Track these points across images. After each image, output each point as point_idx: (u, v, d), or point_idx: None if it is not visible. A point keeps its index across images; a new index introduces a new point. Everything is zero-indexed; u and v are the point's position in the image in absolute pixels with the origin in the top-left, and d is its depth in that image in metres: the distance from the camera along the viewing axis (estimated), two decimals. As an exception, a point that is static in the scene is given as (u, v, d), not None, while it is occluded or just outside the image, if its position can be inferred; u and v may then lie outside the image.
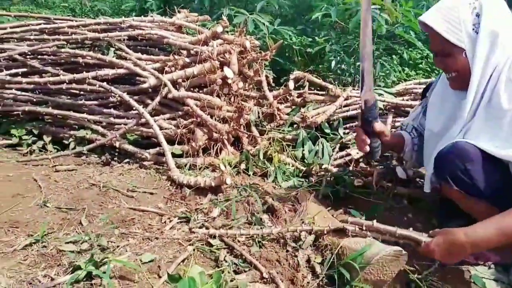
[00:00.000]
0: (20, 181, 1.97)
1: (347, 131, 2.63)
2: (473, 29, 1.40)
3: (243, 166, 2.29)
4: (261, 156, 2.29)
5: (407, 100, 2.71)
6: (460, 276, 1.50)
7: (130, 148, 2.34)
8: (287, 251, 1.56)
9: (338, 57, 3.36)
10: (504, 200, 1.30)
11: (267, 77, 2.88)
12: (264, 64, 3.00)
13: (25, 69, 2.59)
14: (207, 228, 1.69)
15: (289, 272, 1.46)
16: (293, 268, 1.48)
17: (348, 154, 2.33)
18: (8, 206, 1.75)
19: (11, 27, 2.64)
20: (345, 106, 2.68)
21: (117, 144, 2.33)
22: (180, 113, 2.45)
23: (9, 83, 2.46)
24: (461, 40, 1.41)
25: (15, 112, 2.51)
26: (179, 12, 3.09)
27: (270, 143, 2.37)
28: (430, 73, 3.93)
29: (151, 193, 2.00)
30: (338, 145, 2.47)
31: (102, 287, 1.32)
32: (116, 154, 2.40)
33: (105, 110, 2.48)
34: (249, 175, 2.26)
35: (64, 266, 1.43)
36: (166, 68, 2.50)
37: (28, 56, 2.65)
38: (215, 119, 2.38)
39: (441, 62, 1.50)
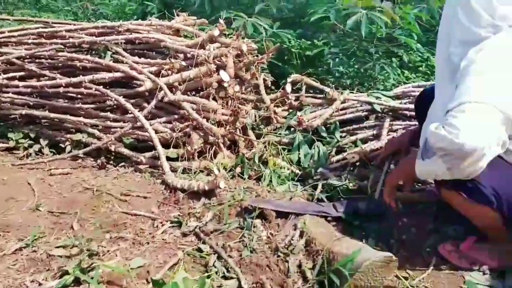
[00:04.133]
0: (15, 185, 1.97)
1: (343, 134, 2.60)
2: None
3: (238, 169, 2.27)
4: (257, 160, 2.28)
5: (405, 103, 2.69)
6: (454, 282, 1.47)
7: (126, 151, 2.34)
8: (278, 256, 1.54)
9: (337, 59, 3.35)
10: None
11: (265, 80, 2.87)
12: (262, 67, 2.99)
13: (22, 73, 2.60)
14: (198, 233, 1.68)
15: (279, 278, 1.45)
16: (283, 274, 1.47)
17: (344, 158, 2.31)
18: (1, 209, 1.75)
19: (9, 31, 2.66)
20: (342, 109, 2.66)
21: (112, 148, 2.34)
22: (176, 116, 2.45)
23: (6, 86, 2.48)
24: None
25: (12, 116, 2.52)
26: (177, 15, 3.10)
27: (265, 147, 2.36)
28: (430, 75, 3.89)
29: (145, 197, 2.00)
30: (335, 149, 2.44)
31: (89, 292, 1.31)
32: (112, 157, 2.40)
33: (101, 114, 2.48)
34: (244, 179, 2.24)
35: (53, 270, 1.43)
36: (163, 72, 2.50)
37: (25, 60, 2.66)
38: (211, 123, 2.37)
39: None
